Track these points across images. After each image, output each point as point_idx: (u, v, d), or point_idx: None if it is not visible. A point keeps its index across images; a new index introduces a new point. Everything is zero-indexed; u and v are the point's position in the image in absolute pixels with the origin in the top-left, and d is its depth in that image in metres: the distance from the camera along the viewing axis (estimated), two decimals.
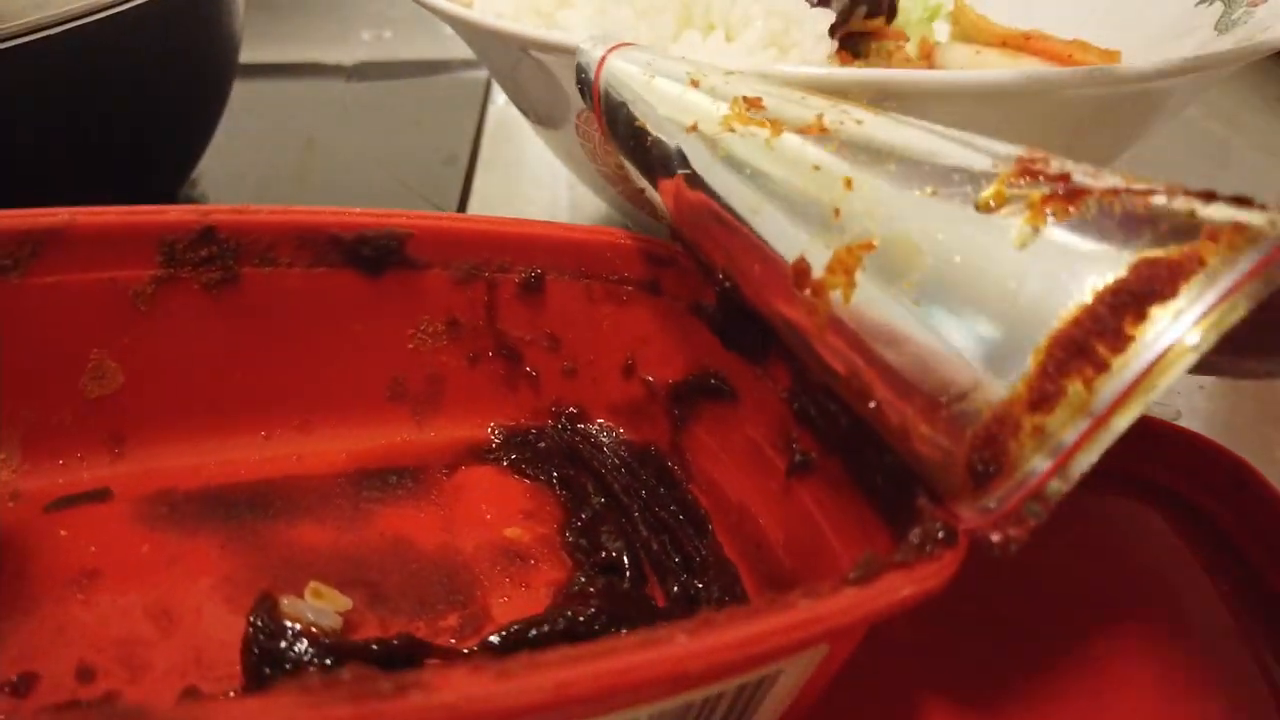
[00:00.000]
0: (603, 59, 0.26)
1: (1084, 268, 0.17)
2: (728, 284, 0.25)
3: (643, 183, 0.27)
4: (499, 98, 0.53)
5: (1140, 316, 0.17)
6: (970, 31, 0.37)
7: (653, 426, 0.28)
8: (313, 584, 0.21)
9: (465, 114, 0.51)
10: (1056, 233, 0.18)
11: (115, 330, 0.24)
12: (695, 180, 0.24)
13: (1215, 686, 0.22)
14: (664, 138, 0.25)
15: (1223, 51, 0.27)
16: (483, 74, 0.54)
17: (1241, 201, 0.18)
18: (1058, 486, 0.17)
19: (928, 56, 0.33)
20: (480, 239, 0.27)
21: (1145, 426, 0.26)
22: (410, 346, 0.28)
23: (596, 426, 0.29)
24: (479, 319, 0.28)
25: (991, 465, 0.18)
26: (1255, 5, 0.33)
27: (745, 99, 0.23)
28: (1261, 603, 0.24)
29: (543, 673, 0.14)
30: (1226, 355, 0.17)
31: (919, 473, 0.20)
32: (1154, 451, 0.26)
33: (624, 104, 0.26)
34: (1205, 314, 0.16)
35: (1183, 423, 0.28)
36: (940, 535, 0.18)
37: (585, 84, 0.27)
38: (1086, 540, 0.25)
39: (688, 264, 0.27)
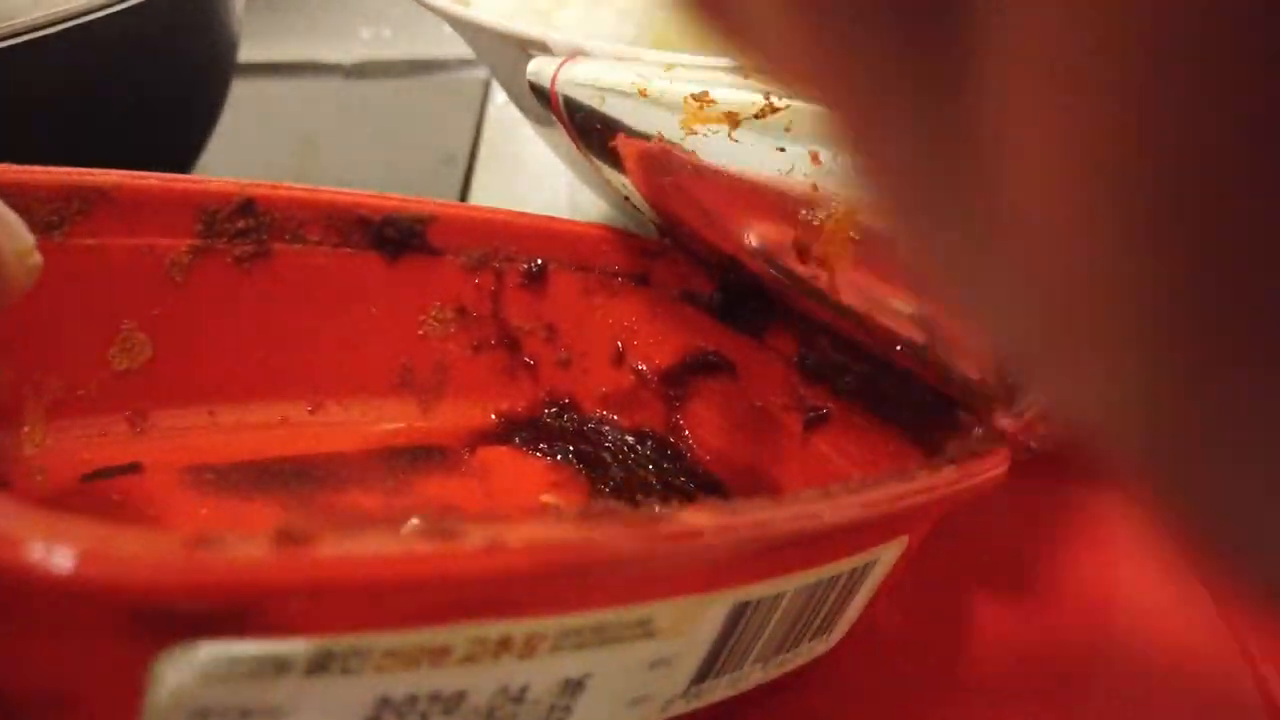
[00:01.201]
0: (554, 77, 0.28)
1: None
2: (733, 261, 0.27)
3: (628, 189, 0.29)
4: (498, 97, 0.53)
5: None
6: None
7: (645, 411, 0.30)
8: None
9: (464, 113, 0.51)
10: None
11: (148, 301, 0.24)
12: (678, 182, 0.26)
13: (1203, 680, 0.23)
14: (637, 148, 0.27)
15: None
16: (482, 73, 0.54)
17: None
18: None
19: None
20: (495, 228, 0.28)
21: None
22: (420, 333, 0.28)
23: (591, 416, 0.30)
24: (486, 308, 0.29)
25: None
26: None
27: (695, 96, 0.25)
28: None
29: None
30: None
31: (952, 392, 0.23)
32: None
33: (588, 123, 0.27)
34: None
35: None
36: (992, 435, 0.21)
37: (545, 103, 0.29)
38: (1071, 533, 0.27)
39: (678, 256, 0.30)
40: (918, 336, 0.23)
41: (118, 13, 0.29)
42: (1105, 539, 0.27)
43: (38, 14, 0.28)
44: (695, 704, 0.19)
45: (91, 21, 0.29)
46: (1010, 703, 0.23)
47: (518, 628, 0.14)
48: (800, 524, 0.16)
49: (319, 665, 0.13)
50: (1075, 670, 0.23)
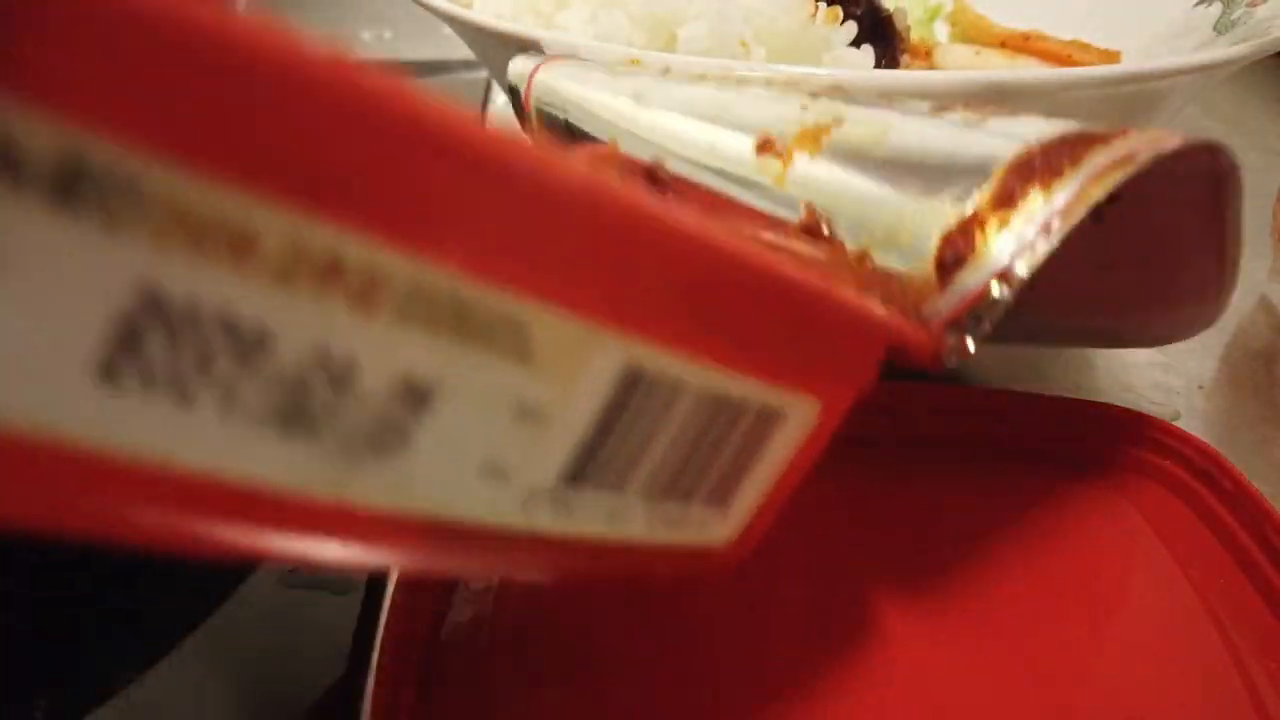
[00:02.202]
0: (533, 74, 0.27)
1: (1029, 132, 0.20)
2: None
3: None
4: (499, 98, 0.52)
5: (1079, 158, 0.19)
6: (970, 32, 0.39)
7: None
8: None
9: None
10: (999, 118, 0.21)
11: None
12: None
13: (1190, 683, 0.22)
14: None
15: (1225, 52, 0.27)
16: (483, 74, 0.53)
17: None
18: (1022, 268, 0.19)
19: (927, 57, 0.35)
20: None
21: (1110, 413, 0.28)
22: None
23: None
24: None
25: (960, 254, 0.19)
26: (1254, 5, 0.34)
27: None
28: (1227, 588, 0.24)
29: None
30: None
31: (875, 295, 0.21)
32: (1119, 436, 0.27)
33: (563, 115, 0.27)
34: (1132, 154, 0.19)
35: (1181, 423, 0.28)
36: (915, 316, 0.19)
37: (517, 97, 0.28)
38: (1047, 524, 0.26)
39: None
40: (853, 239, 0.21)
41: None
42: (1090, 538, 0.26)
43: None
44: (561, 525, 0.15)
45: None
46: (997, 700, 0.21)
47: (352, 246, 0.11)
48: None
49: (67, 186, 0.09)
50: (1058, 670, 0.22)
